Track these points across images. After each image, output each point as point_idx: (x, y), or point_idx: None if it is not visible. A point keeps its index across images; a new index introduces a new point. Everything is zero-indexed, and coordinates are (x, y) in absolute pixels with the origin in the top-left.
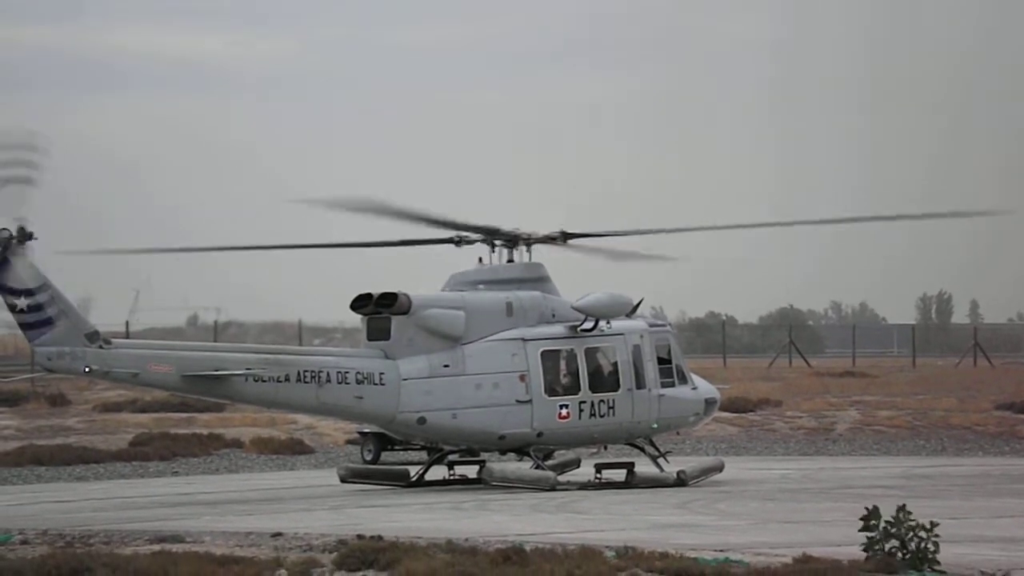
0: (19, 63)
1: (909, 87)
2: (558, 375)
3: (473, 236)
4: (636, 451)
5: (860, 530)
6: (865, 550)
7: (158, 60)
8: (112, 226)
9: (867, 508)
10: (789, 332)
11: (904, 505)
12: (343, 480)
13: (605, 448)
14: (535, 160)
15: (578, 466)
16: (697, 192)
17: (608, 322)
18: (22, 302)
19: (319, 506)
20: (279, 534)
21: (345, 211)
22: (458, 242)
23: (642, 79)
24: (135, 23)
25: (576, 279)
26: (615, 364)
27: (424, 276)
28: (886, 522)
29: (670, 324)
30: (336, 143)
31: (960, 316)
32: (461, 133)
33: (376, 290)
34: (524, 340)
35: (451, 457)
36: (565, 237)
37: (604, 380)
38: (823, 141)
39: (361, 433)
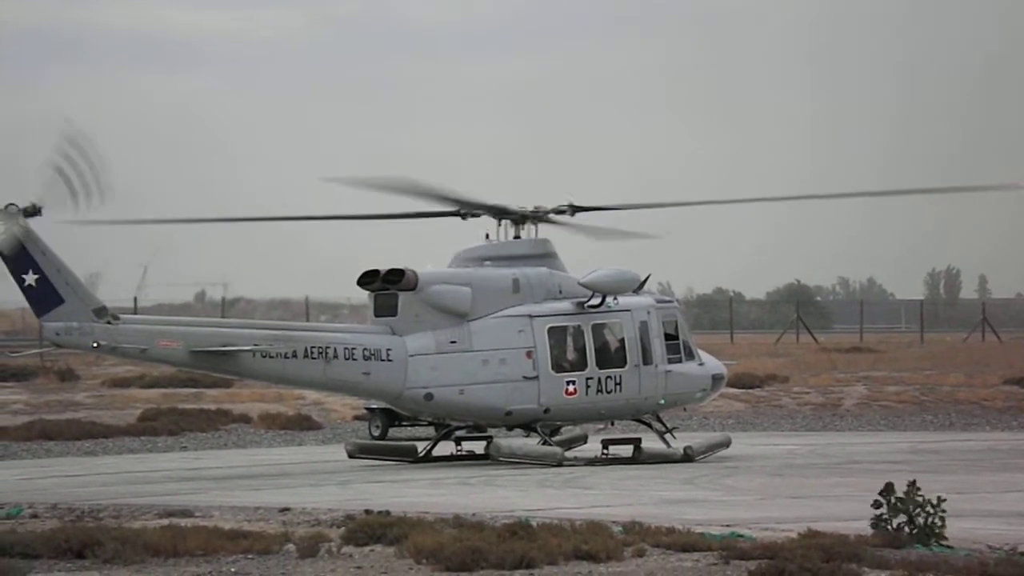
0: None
1: (922, 67)
2: (565, 351)
3: (480, 211)
4: (643, 427)
5: (872, 505)
6: (873, 526)
7: (159, 36)
8: (116, 202)
9: (891, 484)
10: (796, 308)
11: (914, 481)
12: (351, 456)
13: (612, 424)
14: (547, 136)
15: (585, 442)
16: (706, 170)
17: (615, 298)
18: (30, 277)
19: (327, 481)
20: (287, 509)
21: (368, 189)
22: (464, 215)
23: (655, 52)
24: None
25: (583, 255)
26: (622, 340)
27: (430, 253)
28: (896, 498)
29: (677, 300)
30: (342, 119)
31: (968, 291)
32: (468, 108)
33: (383, 266)
34: (531, 316)
35: (458, 433)
36: (574, 210)
37: (611, 356)
38: (830, 121)
39: (368, 409)
